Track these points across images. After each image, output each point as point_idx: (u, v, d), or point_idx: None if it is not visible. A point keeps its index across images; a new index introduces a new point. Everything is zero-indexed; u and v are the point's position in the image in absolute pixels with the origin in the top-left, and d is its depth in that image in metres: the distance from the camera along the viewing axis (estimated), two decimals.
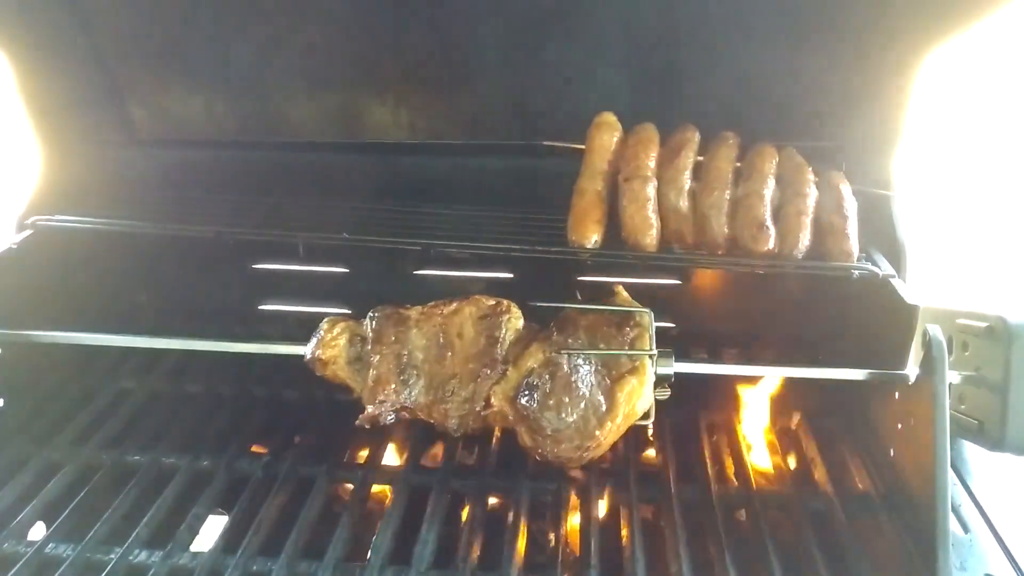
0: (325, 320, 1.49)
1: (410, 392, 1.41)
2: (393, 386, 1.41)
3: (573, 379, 1.33)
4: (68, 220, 1.64)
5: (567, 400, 1.32)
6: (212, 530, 1.41)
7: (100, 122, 1.91)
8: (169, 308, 2.06)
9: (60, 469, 1.52)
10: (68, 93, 1.86)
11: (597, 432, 1.30)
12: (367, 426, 1.40)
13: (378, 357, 1.42)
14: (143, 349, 1.79)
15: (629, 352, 1.35)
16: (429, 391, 1.41)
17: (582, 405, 1.31)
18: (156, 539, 1.37)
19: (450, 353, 1.43)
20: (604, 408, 1.31)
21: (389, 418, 1.40)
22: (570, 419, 1.31)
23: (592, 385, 1.33)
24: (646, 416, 1.35)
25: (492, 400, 1.37)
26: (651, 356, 1.34)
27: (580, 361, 1.35)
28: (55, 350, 1.66)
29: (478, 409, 1.38)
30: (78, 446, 1.60)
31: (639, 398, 1.31)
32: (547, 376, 1.34)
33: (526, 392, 1.34)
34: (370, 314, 1.48)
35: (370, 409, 1.40)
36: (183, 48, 1.80)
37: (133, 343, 1.56)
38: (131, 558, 1.31)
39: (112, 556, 1.31)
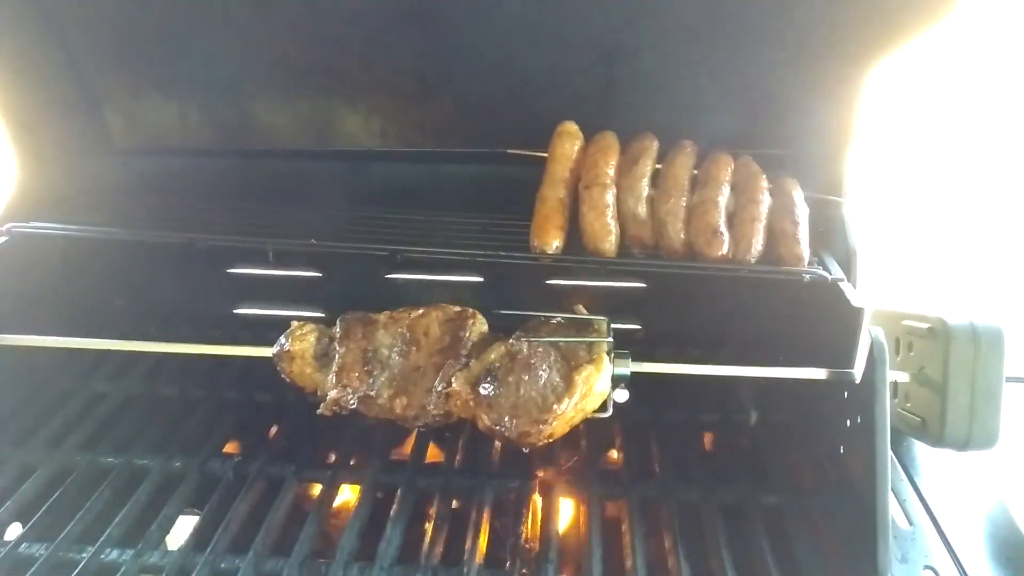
0: (295, 321, 1.54)
1: (374, 382, 1.44)
2: (357, 374, 1.44)
3: (533, 362, 1.37)
4: (43, 227, 1.67)
5: (527, 378, 1.36)
6: (184, 529, 1.44)
7: (76, 130, 1.94)
8: (145, 312, 2.09)
9: (35, 471, 1.55)
10: (44, 101, 1.88)
11: (555, 407, 1.33)
12: (328, 413, 1.43)
13: (344, 350, 1.46)
14: (118, 353, 1.82)
15: (587, 340, 1.40)
16: (392, 382, 1.44)
17: (541, 383, 1.36)
18: (128, 538, 1.39)
19: (415, 349, 1.47)
20: (562, 387, 1.35)
21: (351, 403, 1.42)
22: (528, 395, 1.35)
23: (551, 371, 1.37)
24: (603, 408, 1.39)
25: (453, 383, 1.40)
26: (608, 344, 1.39)
27: (540, 351, 1.39)
28: (31, 354, 1.68)
29: (440, 388, 1.41)
30: (53, 448, 1.63)
31: (596, 382, 1.35)
32: (508, 361, 1.39)
33: (487, 379, 1.38)
34: (340, 318, 1.53)
35: (332, 394, 1.42)
36: (158, 57, 1.83)
37: (108, 346, 1.59)
38: (103, 557, 1.34)
39: (84, 555, 1.34)
